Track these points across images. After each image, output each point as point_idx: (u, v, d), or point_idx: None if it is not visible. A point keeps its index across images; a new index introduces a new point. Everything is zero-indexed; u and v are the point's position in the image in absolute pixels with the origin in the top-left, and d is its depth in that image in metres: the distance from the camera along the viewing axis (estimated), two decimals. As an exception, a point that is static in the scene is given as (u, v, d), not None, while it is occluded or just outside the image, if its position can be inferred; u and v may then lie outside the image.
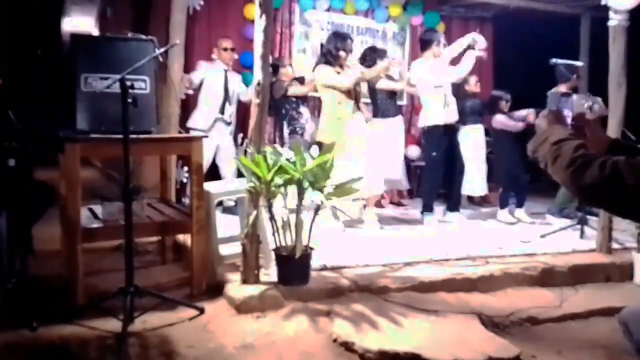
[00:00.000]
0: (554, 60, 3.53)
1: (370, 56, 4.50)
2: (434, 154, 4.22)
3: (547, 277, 3.09)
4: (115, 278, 2.52)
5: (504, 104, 4.62)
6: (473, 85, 4.98)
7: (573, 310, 2.75)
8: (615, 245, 3.51)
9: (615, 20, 3.28)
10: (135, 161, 3.70)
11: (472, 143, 4.86)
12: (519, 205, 4.63)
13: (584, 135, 1.48)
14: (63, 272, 2.64)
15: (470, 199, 5.33)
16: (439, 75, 4.15)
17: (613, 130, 3.39)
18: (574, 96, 1.62)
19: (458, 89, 4.60)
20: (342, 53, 3.88)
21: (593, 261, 3.32)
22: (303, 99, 4.53)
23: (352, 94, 3.91)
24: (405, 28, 5.70)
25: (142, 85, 2.41)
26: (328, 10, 5.29)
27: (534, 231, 4.06)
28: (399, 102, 5.05)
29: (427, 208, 4.30)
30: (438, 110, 4.15)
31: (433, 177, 4.35)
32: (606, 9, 3.31)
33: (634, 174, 1.12)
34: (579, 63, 3.86)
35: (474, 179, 4.90)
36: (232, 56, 4.29)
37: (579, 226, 3.89)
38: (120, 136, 2.15)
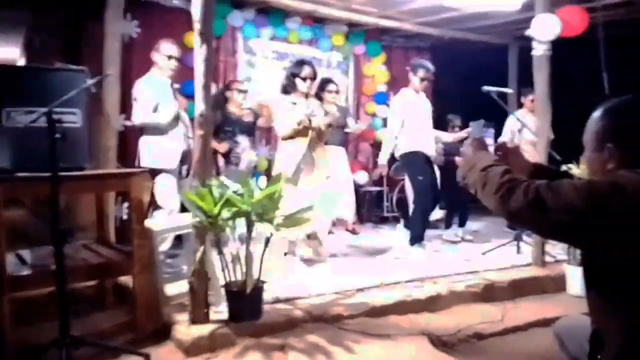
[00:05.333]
0: (485, 88, 3.70)
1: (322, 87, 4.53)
2: (421, 177, 4.03)
3: (489, 293, 3.21)
4: (51, 328, 2.29)
5: (452, 128, 4.80)
6: None
7: (514, 323, 2.86)
8: (548, 259, 3.69)
9: (539, 51, 3.51)
10: (68, 199, 3.45)
11: None
12: (461, 224, 4.79)
13: (508, 161, 1.57)
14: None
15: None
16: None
17: (541, 151, 3.59)
18: (471, 123, 1.68)
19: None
20: (298, 80, 3.66)
21: (529, 275, 3.48)
22: (242, 128, 4.36)
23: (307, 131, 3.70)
24: (349, 57, 5.83)
25: (73, 118, 2.24)
26: (272, 39, 5.32)
27: (476, 249, 4.21)
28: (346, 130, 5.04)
29: (417, 239, 4.01)
30: (416, 138, 4.10)
31: (424, 203, 4.03)
32: (531, 39, 3.53)
33: (553, 197, 1.17)
34: (508, 90, 4.05)
35: None
36: (177, 67, 3.64)
37: (515, 242, 4.06)
38: (49, 174, 1.98)
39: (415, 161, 4.10)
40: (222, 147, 4.23)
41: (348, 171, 4.89)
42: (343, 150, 4.92)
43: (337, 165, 4.62)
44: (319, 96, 4.55)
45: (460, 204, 4.73)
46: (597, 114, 1.33)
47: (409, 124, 4.11)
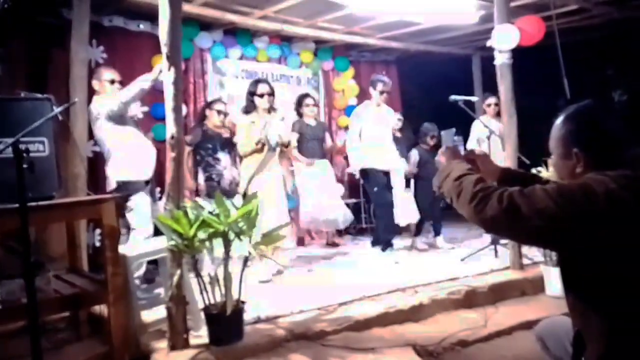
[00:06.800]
0: (452, 97, 3.81)
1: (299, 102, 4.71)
2: (375, 189, 4.27)
3: (470, 299, 3.23)
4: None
5: (429, 139, 4.88)
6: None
7: (497, 328, 2.88)
8: (525, 261, 3.74)
9: (500, 60, 3.63)
10: (39, 230, 3.36)
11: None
12: (437, 234, 4.80)
13: (477, 168, 1.59)
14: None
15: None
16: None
17: (509, 156, 3.69)
18: (442, 132, 1.70)
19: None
20: (256, 98, 3.85)
21: (508, 278, 3.51)
22: (222, 144, 4.33)
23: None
24: (318, 73, 5.91)
25: (40, 147, 2.20)
26: (241, 58, 5.35)
27: (454, 255, 4.25)
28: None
29: (387, 245, 4.26)
30: (372, 153, 4.24)
31: (383, 213, 4.33)
32: (492, 49, 3.65)
33: (527, 203, 1.18)
34: (474, 98, 4.13)
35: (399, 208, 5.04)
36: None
37: (493, 246, 4.12)
38: (17, 205, 1.93)
39: (368, 176, 4.31)
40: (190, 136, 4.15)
41: (334, 182, 4.97)
42: (327, 162, 4.98)
43: (324, 178, 4.74)
44: (298, 112, 4.68)
45: (432, 213, 4.77)
46: (559, 120, 1.35)
47: (366, 136, 4.27)
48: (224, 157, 4.26)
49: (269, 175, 3.81)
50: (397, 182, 4.52)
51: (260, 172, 3.76)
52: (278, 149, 3.88)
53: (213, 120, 4.35)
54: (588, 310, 1.25)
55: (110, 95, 3.42)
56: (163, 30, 2.42)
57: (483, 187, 1.26)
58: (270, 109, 3.93)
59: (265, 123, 3.80)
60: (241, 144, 3.85)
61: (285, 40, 5.50)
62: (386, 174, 4.37)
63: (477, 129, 4.81)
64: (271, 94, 3.90)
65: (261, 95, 3.84)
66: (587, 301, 1.25)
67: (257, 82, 3.99)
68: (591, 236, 1.16)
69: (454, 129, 1.71)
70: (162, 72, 2.51)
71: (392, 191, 4.41)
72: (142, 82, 3.24)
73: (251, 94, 3.89)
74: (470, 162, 1.60)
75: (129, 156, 3.42)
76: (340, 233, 5.59)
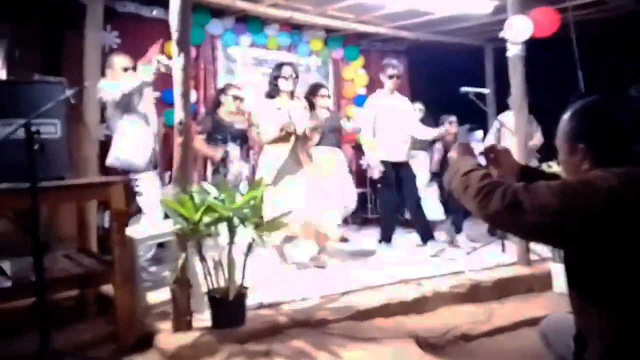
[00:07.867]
0: (463, 88, 3.75)
1: (312, 92, 4.49)
2: (379, 185, 4.25)
3: (474, 293, 3.20)
4: (34, 340, 2.28)
5: (448, 125, 4.80)
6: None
7: (501, 323, 2.86)
8: (533, 257, 3.68)
9: (512, 51, 3.57)
10: (50, 211, 3.43)
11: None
12: (457, 231, 4.70)
13: (498, 163, 1.57)
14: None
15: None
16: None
17: (518, 149, 3.63)
18: (458, 128, 1.68)
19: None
20: (281, 81, 3.70)
21: (515, 274, 3.46)
22: (234, 135, 4.24)
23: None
24: (327, 62, 5.90)
25: (52, 129, 2.25)
26: (251, 46, 5.36)
27: (461, 249, 4.21)
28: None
29: (384, 239, 4.20)
30: (384, 144, 4.13)
31: (383, 210, 4.33)
32: (505, 40, 3.59)
33: (529, 199, 1.18)
34: (485, 90, 4.03)
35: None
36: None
37: (500, 241, 4.06)
38: (28, 185, 1.98)
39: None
40: (216, 155, 4.11)
41: (345, 171, 4.86)
42: (339, 151, 4.86)
43: (332, 167, 4.58)
44: (310, 101, 4.45)
45: (453, 210, 4.72)
46: (566, 116, 1.34)
47: (380, 126, 4.16)
48: (233, 148, 4.17)
49: (298, 168, 3.66)
50: (408, 175, 4.28)
51: (289, 165, 3.62)
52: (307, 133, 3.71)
53: (228, 106, 4.25)
54: (590, 308, 1.24)
55: (117, 82, 3.36)
56: (173, 16, 2.44)
57: (488, 183, 1.26)
58: (293, 95, 3.80)
59: (292, 111, 3.66)
60: (264, 130, 3.68)
61: (295, 28, 5.49)
62: (399, 166, 4.17)
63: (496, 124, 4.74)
64: (296, 76, 3.76)
65: (286, 78, 3.70)
66: (589, 299, 1.25)
67: (280, 65, 3.81)
68: (592, 234, 1.14)
69: (467, 125, 1.70)
70: (160, 62, 2.52)
71: (406, 184, 4.19)
72: (144, 75, 3.20)
73: (275, 77, 3.74)
74: (492, 156, 1.58)
75: (130, 141, 3.37)
76: (346, 223, 5.58)
